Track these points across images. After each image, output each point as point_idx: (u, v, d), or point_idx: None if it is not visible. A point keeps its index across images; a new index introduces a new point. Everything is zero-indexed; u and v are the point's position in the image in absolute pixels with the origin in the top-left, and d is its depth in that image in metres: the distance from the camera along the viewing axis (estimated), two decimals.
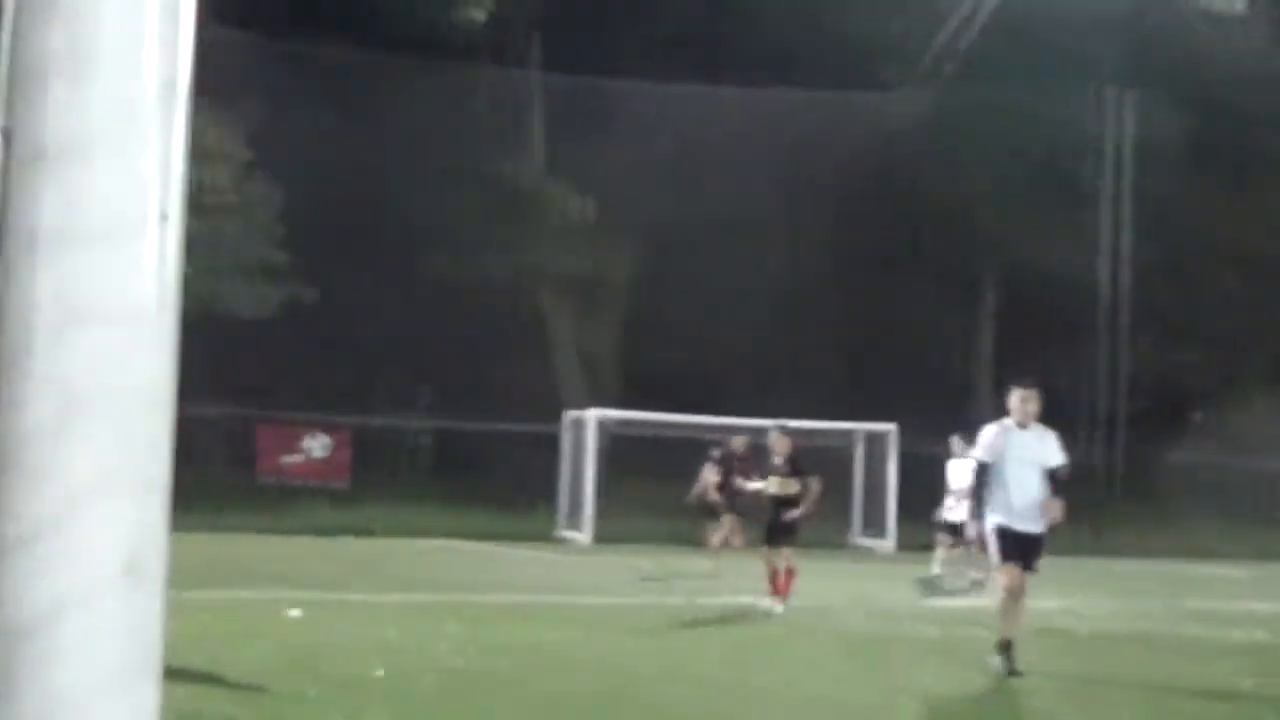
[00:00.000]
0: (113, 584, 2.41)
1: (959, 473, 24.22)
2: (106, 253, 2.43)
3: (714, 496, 26.87)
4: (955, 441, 25.07)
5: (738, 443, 27.31)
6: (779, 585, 19.21)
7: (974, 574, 23.80)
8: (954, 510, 24.65)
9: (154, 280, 2.47)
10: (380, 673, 11.78)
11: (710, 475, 27.07)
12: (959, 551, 24.59)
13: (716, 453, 27.51)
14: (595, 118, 38.40)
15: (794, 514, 19.47)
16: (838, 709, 11.24)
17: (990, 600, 15.80)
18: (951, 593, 23.26)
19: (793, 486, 19.58)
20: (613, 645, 14.71)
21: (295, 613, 15.78)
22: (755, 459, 26.80)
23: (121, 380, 2.42)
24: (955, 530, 24.33)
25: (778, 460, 19.81)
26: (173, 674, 10.79)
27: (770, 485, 19.69)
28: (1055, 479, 13.54)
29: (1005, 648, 13.20)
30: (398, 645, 13.69)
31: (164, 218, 2.47)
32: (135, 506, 2.45)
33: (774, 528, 19.60)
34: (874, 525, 34.63)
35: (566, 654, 13.86)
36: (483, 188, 38.74)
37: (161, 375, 2.49)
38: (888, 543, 33.79)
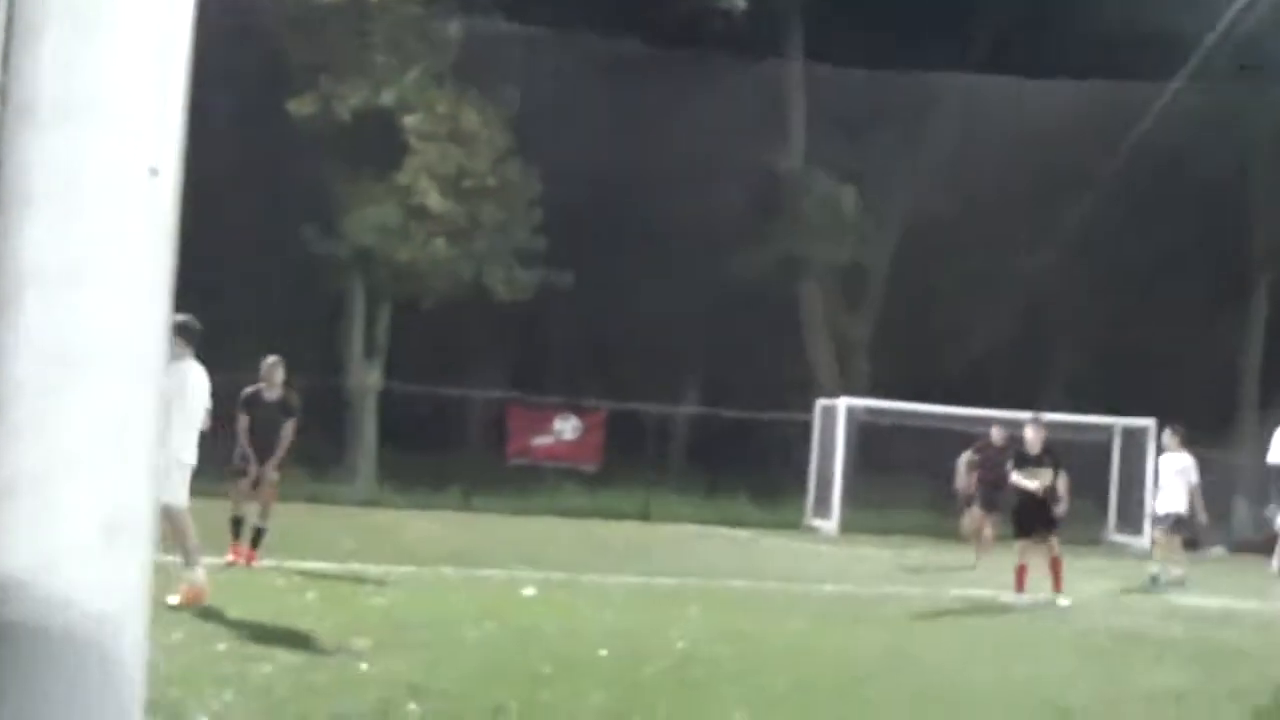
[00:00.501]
0: (92, 546, 2.38)
1: (1170, 467, 23.97)
2: (99, 209, 2.40)
3: (970, 489, 26.74)
4: (1167, 435, 24.54)
5: (996, 434, 27.06)
6: (1023, 580, 19.12)
7: (1176, 571, 23.37)
8: (1166, 504, 24.11)
9: (145, 239, 2.44)
10: (604, 653, 11.83)
11: (967, 467, 26.90)
12: (1167, 545, 24.06)
13: (976, 445, 27.31)
14: (855, 108, 38.12)
15: (1058, 506, 19.61)
16: (1060, 713, 10.91)
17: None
18: (1167, 588, 22.70)
19: (1048, 478, 19.59)
20: (846, 636, 14.56)
21: (529, 591, 15.94)
22: (1011, 450, 26.58)
23: (111, 340, 2.40)
24: (1172, 524, 23.90)
25: (1034, 451, 19.80)
26: (404, 646, 11.03)
27: (1028, 477, 19.61)
28: None
29: None
30: (628, 628, 13.74)
31: (154, 173, 2.44)
32: (120, 467, 2.42)
33: (1032, 519, 19.50)
34: (1129, 522, 33.78)
35: (798, 643, 13.76)
36: (743, 177, 38.71)
37: (151, 334, 2.46)
38: (1143, 540, 32.94)
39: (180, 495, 13.45)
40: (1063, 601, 18.75)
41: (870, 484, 33.67)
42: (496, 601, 15.00)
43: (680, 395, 40.73)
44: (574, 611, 14.74)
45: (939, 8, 38.10)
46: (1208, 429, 39.79)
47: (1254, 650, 15.23)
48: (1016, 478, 20.03)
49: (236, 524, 18.04)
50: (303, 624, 12.59)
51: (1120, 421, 33.85)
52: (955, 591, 20.31)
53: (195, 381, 13.94)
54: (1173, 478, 23.94)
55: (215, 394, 14.72)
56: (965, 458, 26.96)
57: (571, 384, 37.88)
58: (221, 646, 11.08)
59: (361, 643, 11.48)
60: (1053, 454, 20.19)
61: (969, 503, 26.79)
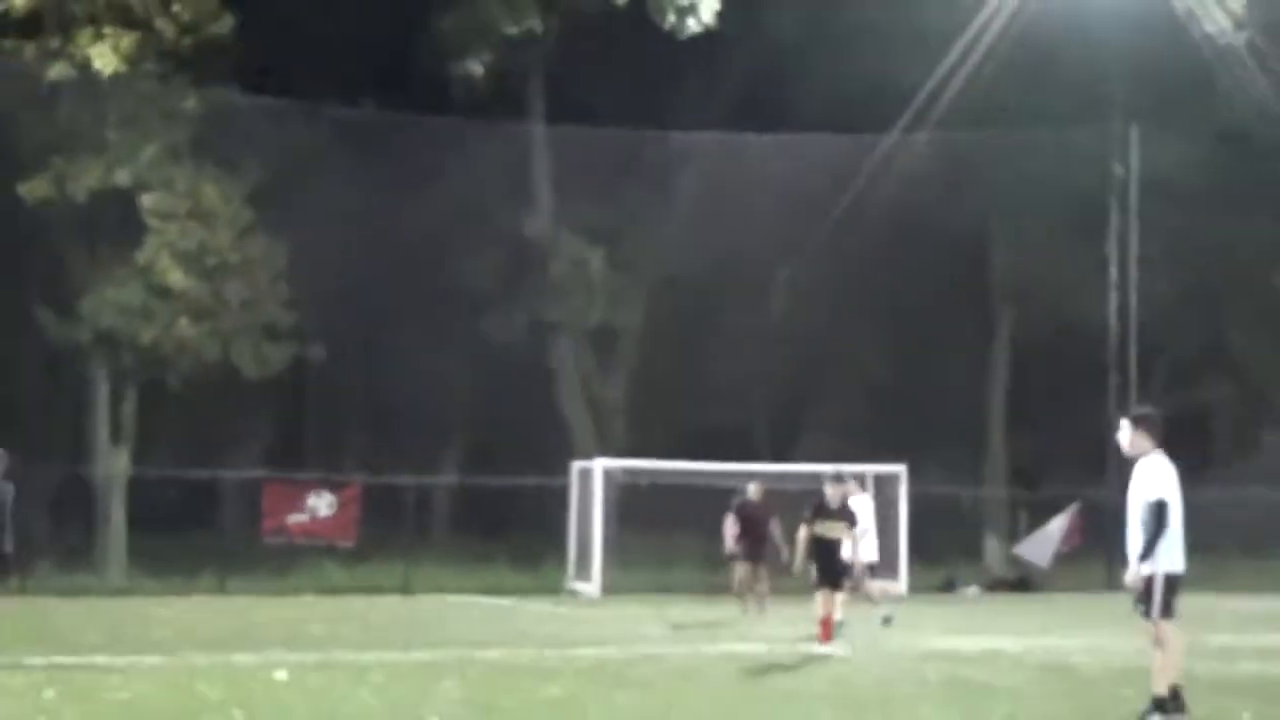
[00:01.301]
0: None
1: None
2: None
3: (732, 546, 27.09)
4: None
5: (753, 490, 27.43)
6: (829, 629, 19.69)
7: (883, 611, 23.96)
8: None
9: None
10: None
11: (730, 524, 27.19)
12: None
13: (734, 501, 27.57)
14: (602, 168, 38.30)
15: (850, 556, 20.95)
16: None
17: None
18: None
19: (843, 530, 20.65)
20: (604, 700, 14.41)
21: (281, 675, 15.53)
22: (772, 505, 27.06)
23: None
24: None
25: (833, 505, 20.52)
26: None
27: (830, 529, 20.33)
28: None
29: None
30: (382, 707, 13.47)
31: None
32: None
33: (832, 569, 20.27)
34: (887, 567, 34.19)
35: (554, 713, 13.58)
36: (492, 241, 38.65)
37: None
38: (899, 584, 33.39)
39: None
40: (826, 649, 19.10)
41: (632, 544, 33.71)
42: (246, 688, 14.56)
43: (439, 464, 40.41)
44: (327, 693, 14.38)
45: (680, 66, 38.57)
46: (960, 469, 40.84)
47: (1009, 689, 15.45)
48: (818, 529, 20.38)
49: None
50: None
51: (872, 469, 34.34)
52: (720, 647, 20.34)
53: None
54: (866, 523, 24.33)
55: None
56: (729, 516, 27.25)
57: (328, 459, 37.40)
58: None
59: None
60: (848, 509, 21.08)
61: (735, 558, 27.11)
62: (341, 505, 34.80)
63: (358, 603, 29.48)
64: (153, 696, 13.98)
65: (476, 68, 36.29)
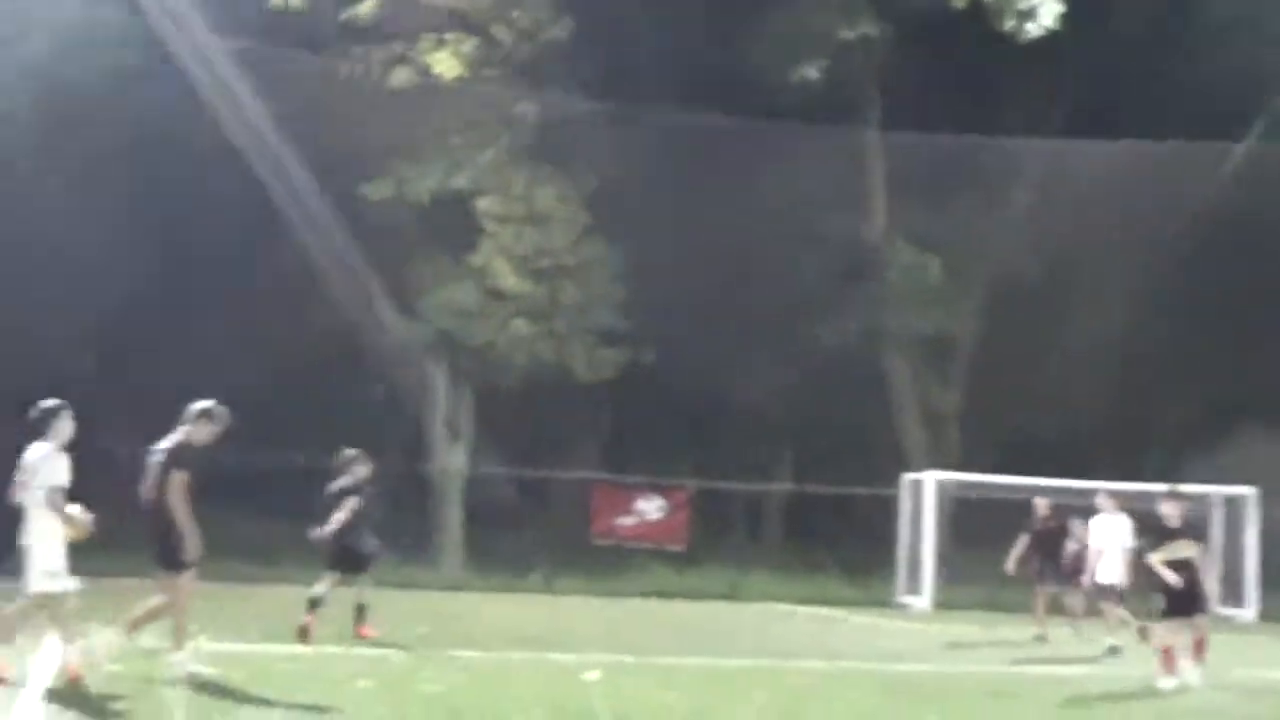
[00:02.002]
0: None
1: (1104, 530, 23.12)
2: None
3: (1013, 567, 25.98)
4: (1102, 497, 23.75)
5: (1041, 506, 26.31)
6: (1171, 661, 18.07)
7: (1111, 640, 22.61)
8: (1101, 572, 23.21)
9: None
10: None
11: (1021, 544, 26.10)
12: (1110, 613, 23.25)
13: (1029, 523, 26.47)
14: (936, 174, 37.67)
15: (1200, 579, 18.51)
16: None
17: None
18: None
19: (1191, 551, 18.43)
20: (912, 714, 14.02)
21: (593, 675, 15.50)
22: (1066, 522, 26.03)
23: None
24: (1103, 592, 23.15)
25: (1172, 525, 18.81)
26: None
27: (1175, 550, 18.58)
28: None
29: None
30: (686, 711, 13.33)
31: None
32: None
33: (1185, 597, 18.12)
34: (1232, 593, 32.80)
35: None
36: (825, 247, 38.34)
37: None
38: (1248, 611, 32.01)
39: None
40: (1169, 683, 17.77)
41: (965, 559, 32.96)
42: (555, 687, 14.58)
43: (770, 471, 40.21)
44: (634, 695, 14.29)
45: (1018, 70, 37.69)
46: None
47: None
48: (1164, 553, 18.86)
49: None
50: (348, 712, 12.28)
51: (1221, 490, 32.95)
52: (1045, 669, 19.76)
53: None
54: (1109, 542, 23.05)
55: None
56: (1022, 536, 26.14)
57: (658, 463, 37.51)
58: None
59: None
60: (1194, 528, 19.24)
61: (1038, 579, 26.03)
62: (672, 510, 34.95)
63: (683, 608, 29.51)
64: (464, 690, 14.08)
65: (811, 72, 35.90)
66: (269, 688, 13.40)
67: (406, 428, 36.53)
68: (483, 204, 33.25)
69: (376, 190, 32.88)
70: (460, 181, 33.03)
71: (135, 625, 14.59)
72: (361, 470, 19.43)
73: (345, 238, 32.98)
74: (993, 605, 31.59)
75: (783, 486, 39.94)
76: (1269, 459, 35.42)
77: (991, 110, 37.59)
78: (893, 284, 38.25)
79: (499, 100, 33.77)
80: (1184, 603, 18.02)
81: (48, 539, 13.25)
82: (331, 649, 17.20)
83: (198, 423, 14.62)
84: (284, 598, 21.84)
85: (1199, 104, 35.83)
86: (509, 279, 33.07)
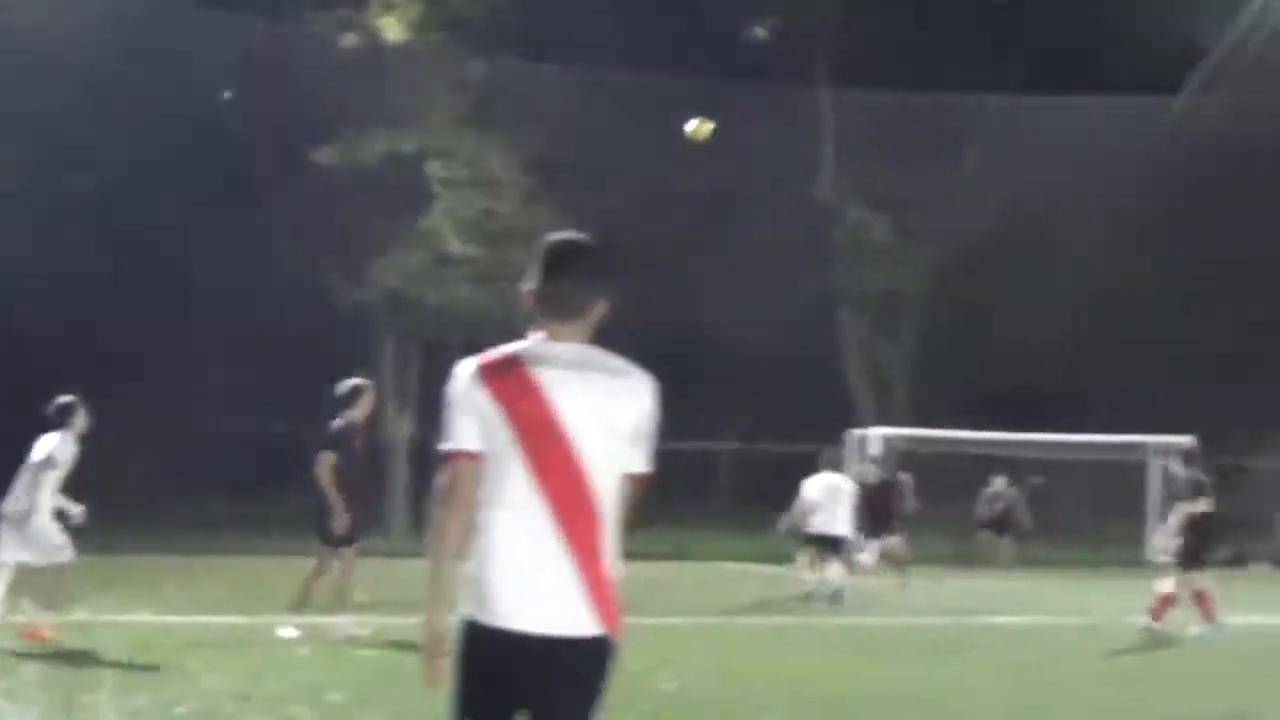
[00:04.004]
0: None
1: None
2: None
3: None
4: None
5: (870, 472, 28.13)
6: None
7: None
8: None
9: None
10: None
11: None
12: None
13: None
14: (888, 133, 37.74)
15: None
16: None
17: None
18: None
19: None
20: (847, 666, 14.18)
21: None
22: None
23: None
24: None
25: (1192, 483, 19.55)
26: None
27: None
28: None
29: None
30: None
31: None
32: None
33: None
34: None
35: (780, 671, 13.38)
36: (778, 207, 38.40)
37: None
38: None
39: None
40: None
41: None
42: None
43: (719, 430, 40.26)
44: None
45: (973, 28, 37.76)
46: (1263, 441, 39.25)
47: None
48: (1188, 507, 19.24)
49: None
50: (287, 678, 12.35)
51: (1163, 440, 33.24)
52: (985, 619, 19.92)
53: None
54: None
55: None
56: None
57: None
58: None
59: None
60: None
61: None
62: None
63: (631, 569, 29.38)
64: (403, 655, 14.09)
65: (760, 32, 35.93)
66: (203, 656, 13.45)
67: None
68: (431, 167, 33.17)
69: (324, 155, 32.76)
70: (408, 145, 32.95)
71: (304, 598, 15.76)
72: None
73: (293, 201, 32.90)
74: (937, 559, 31.73)
75: (729, 445, 40.04)
76: (1214, 409, 35.79)
77: (943, 68, 37.65)
78: (842, 242, 38.34)
79: (447, 63, 33.66)
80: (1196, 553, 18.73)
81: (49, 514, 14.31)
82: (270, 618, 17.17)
83: (352, 402, 15.43)
84: (225, 569, 21.87)
85: (1144, 59, 36.04)
86: (456, 243, 33.02)
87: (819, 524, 23.04)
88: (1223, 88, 36.45)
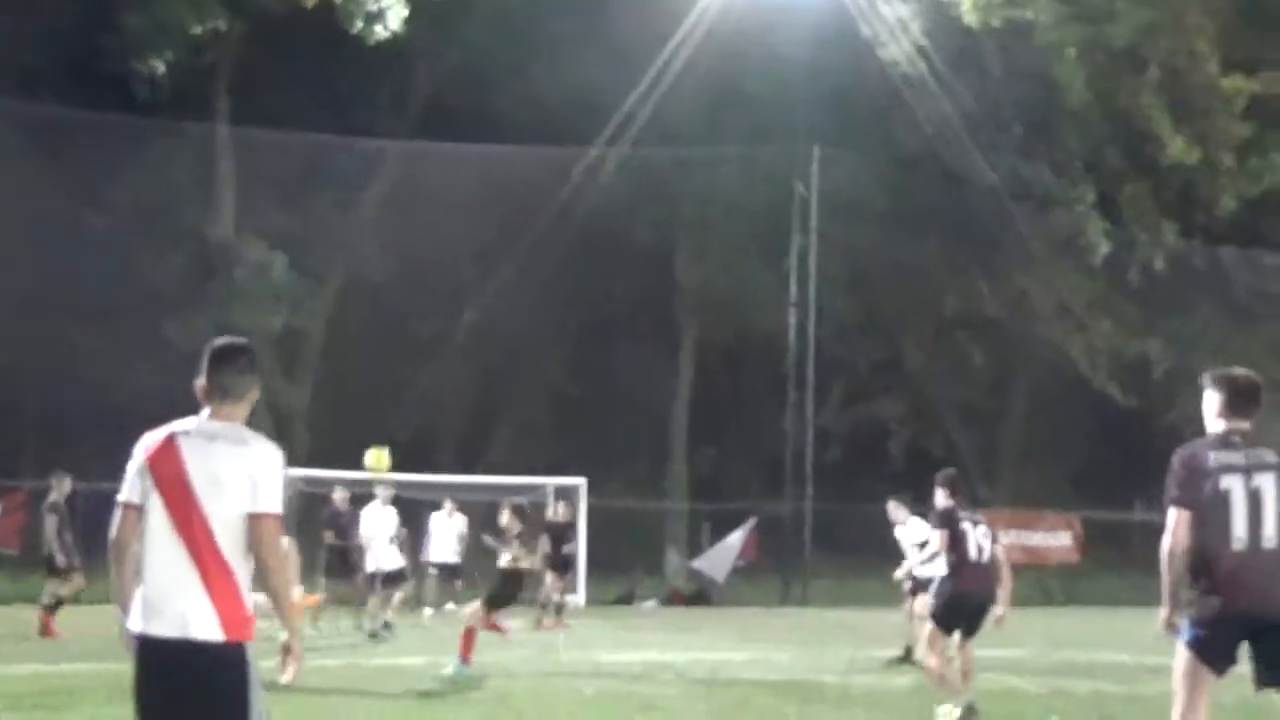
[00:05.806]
0: None
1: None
2: None
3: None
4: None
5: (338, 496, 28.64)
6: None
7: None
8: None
9: None
10: None
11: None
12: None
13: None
14: (287, 172, 37.83)
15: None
16: None
17: None
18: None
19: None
20: None
21: None
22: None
23: None
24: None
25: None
26: None
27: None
28: None
29: None
30: None
31: None
32: None
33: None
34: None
35: None
36: (176, 244, 37.89)
37: None
38: (578, 598, 33.49)
39: None
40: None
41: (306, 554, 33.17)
42: None
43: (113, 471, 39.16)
44: None
45: (370, 72, 38.27)
46: (642, 481, 41.37)
47: (666, 703, 15.59)
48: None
49: None
50: None
51: (553, 481, 34.51)
52: (382, 661, 20.17)
53: None
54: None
55: None
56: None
57: (8, 465, 35.92)
58: None
59: None
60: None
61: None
62: (5, 513, 33.51)
63: (22, 612, 28.35)
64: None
65: (159, 66, 35.41)
66: None
67: None
68: None
69: None
70: None
71: None
72: None
73: None
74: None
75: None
76: (600, 452, 37.48)
77: (343, 110, 38.08)
78: (240, 281, 38.11)
79: None
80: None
81: None
82: None
83: None
84: None
85: (549, 111, 37.47)
86: None
87: None
88: (623, 142, 38.20)
